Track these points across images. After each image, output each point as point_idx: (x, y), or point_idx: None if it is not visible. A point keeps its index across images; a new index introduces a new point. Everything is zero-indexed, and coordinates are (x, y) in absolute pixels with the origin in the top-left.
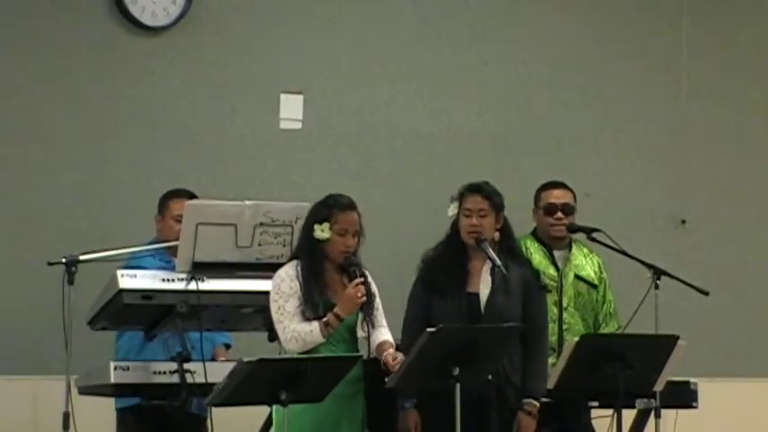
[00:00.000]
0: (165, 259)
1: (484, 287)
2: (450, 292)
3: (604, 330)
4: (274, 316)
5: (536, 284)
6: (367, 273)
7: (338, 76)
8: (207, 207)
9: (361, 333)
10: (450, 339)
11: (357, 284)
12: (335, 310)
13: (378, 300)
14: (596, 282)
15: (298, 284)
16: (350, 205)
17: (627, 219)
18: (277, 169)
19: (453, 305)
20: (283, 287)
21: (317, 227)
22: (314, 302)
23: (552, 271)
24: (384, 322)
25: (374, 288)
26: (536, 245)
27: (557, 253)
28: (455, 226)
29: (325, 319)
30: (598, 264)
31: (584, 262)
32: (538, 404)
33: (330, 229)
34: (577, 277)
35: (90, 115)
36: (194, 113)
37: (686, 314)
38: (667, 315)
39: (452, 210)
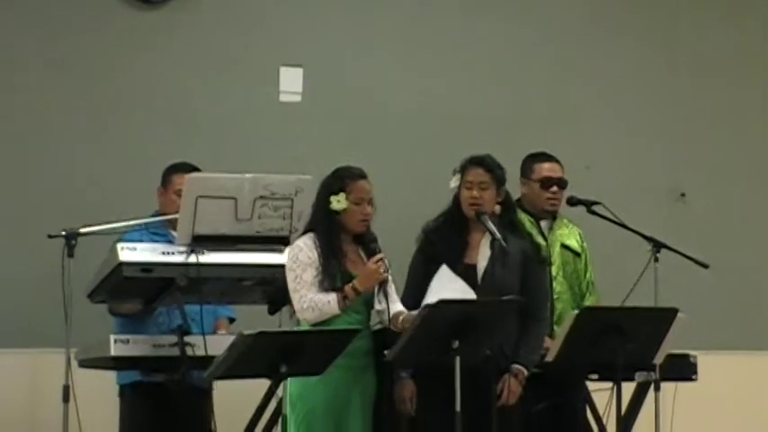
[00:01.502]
0: (161, 233)
1: (482, 259)
2: (448, 263)
3: (588, 300)
4: (291, 285)
5: (536, 258)
6: (381, 248)
7: (337, 50)
8: (207, 180)
9: (378, 306)
10: (449, 313)
11: (378, 260)
12: (354, 283)
13: (389, 276)
14: (579, 250)
15: (316, 255)
16: (362, 174)
17: (626, 191)
18: (277, 142)
19: None
20: (301, 256)
21: (332, 198)
22: (332, 274)
23: (540, 240)
24: (396, 297)
25: (387, 263)
26: (523, 215)
27: (543, 223)
28: (457, 198)
29: (343, 292)
30: (579, 234)
31: (567, 231)
32: (526, 372)
33: (346, 199)
34: (563, 246)
35: (90, 89)
36: (194, 87)
37: (686, 287)
38: (667, 288)
39: (454, 182)
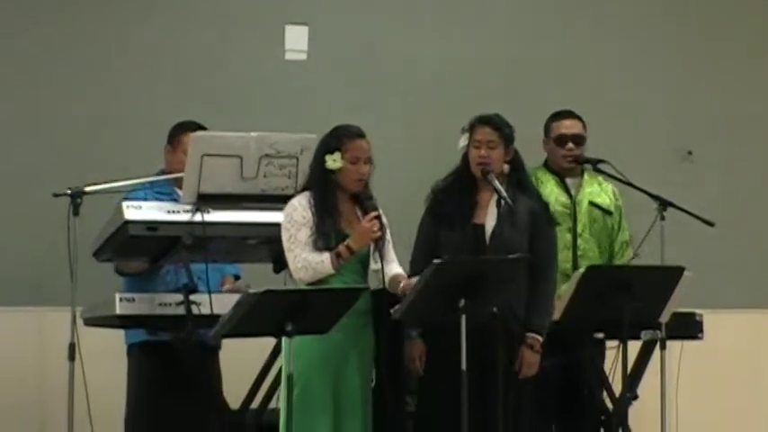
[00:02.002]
0: (167, 191)
1: (490, 219)
2: (457, 223)
3: (619, 260)
4: (285, 244)
5: (545, 217)
6: (379, 208)
7: (343, 8)
8: (212, 138)
9: (373, 265)
10: (456, 271)
11: (372, 218)
12: (348, 242)
13: (388, 233)
14: (611, 209)
15: (310, 214)
16: (359, 133)
17: (633, 150)
18: (282, 101)
19: (459, 236)
20: (296, 216)
21: (328, 157)
22: (326, 233)
23: (565, 198)
24: (394, 257)
25: (385, 221)
26: (548, 175)
27: (569, 180)
28: (465, 158)
29: (336, 251)
30: (613, 191)
31: (599, 189)
32: (541, 338)
33: (342, 158)
34: (592, 204)
35: (96, 49)
36: (199, 46)
37: (692, 245)
38: (673, 246)
39: (463, 141)
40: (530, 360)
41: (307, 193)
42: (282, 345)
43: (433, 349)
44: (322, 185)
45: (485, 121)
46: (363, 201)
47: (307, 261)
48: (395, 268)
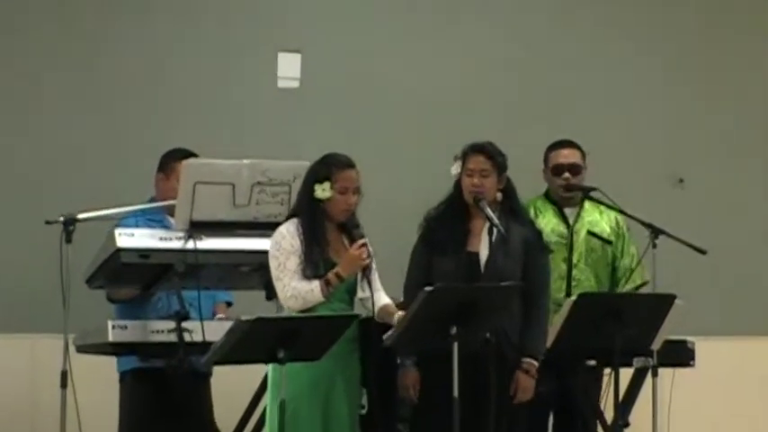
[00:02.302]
0: (157, 219)
1: (484, 247)
2: (451, 250)
3: (624, 286)
4: (274, 273)
5: (539, 245)
6: (365, 234)
7: (336, 35)
8: (204, 166)
9: (361, 293)
10: (447, 298)
11: (360, 246)
12: (337, 269)
13: (374, 262)
14: (612, 237)
15: (299, 242)
16: (349, 163)
17: (625, 177)
18: (275, 128)
19: (453, 264)
20: (284, 244)
21: (317, 186)
22: (315, 261)
23: (562, 228)
24: (380, 285)
25: (371, 249)
26: (547, 204)
27: (567, 210)
28: (458, 185)
29: (326, 278)
30: (615, 219)
31: (599, 218)
32: (536, 363)
33: (331, 188)
34: (590, 233)
35: (88, 74)
36: (192, 72)
37: (684, 273)
38: (665, 274)
39: (455, 169)
40: (525, 385)
41: (295, 221)
42: (270, 372)
43: (427, 377)
44: (310, 214)
45: (478, 149)
46: (350, 229)
47: (296, 290)
48: (383, 297)
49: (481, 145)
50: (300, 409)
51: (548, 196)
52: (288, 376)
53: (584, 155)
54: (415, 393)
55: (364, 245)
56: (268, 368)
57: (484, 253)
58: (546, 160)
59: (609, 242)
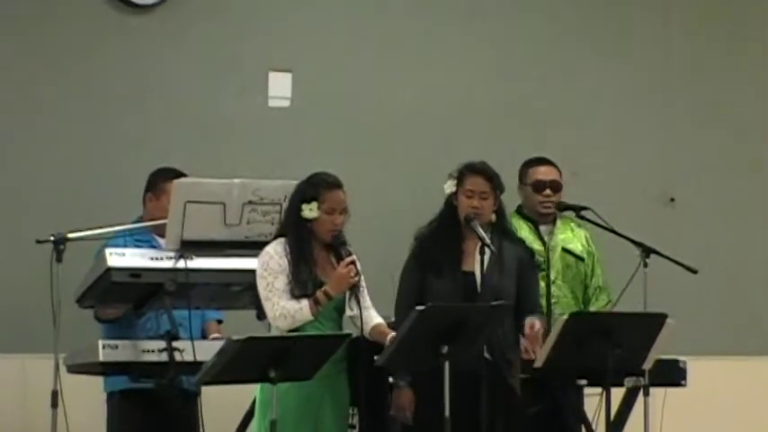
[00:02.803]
0: (145, 239)
1: (479, 266)
2: (447, 270)
3: (594, 305)
4: (262, 293)
5: (531, 263)
6: (352, 251)
7: (326, 54)
8: (195, 185)
9: (349, 311)
10: (439, 317)
11: (348, 263)
12: (325, 288)
13: (363, 280)
14: (584, 255)
15: (286, 262)
16: (336, 183)
17: (615, 197)
18: (266, 147)
19: (450, 284)
20: (272, 264)
21: (304, 206)
22: (303, 281)
23: (538, 246)
24: (370, 303)
25: (360, 267)
26: (521, 221)
27: (542, 228)
28: (450, 203)
29: (315, 297)
30: (585, 237)
31: (572, 235)
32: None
33: (318, 208)
34: (565, 250)
35: (79, 93)
36: (183, 92)
37: (675, 292)
38: (656, 293)
39: (450, 187)
40: (538, 325)
41: (282, 240)
42: (258, 393)
43: (421, 397)
44: (297, 233)
45: (477, 170)
46: (338, 247)
47: (285, 309)
48: (374, 316)
49: (480, 166)
50: (288, 430)
51: (521, 213)
52: (274, 398)
53: (560, 172)
54: (410, 414)
55: (352, 263)
56: (257, 388)
57: (479, 272)
58: (523, 176)
59: (582, 259)
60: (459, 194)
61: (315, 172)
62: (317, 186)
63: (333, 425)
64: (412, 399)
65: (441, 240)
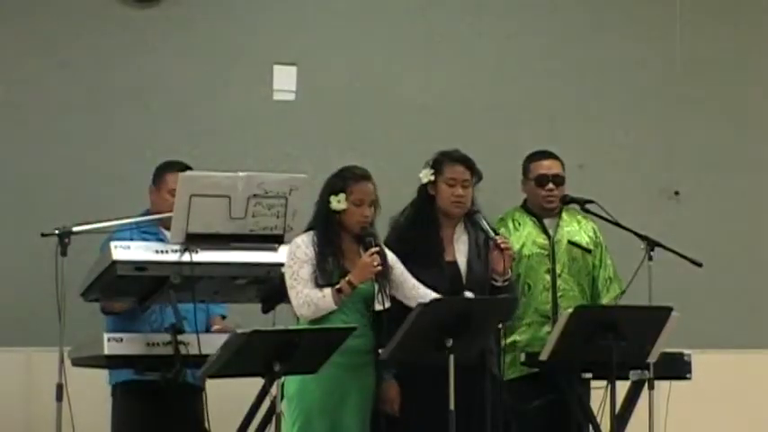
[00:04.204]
0: (152, 231)
1: (460, 256)
2: (431, 261)
3: (605, 296)
4: (288, 281)
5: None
6: (382, 245)
7: (331, 48)
8: (200, 178)
9: (378, 306)
10: (443, 311)
11: (372, 253)
12: (349, 277)
13: (399, 267)
14: (591, 246)
15: (313, 251)
16: (364, 176)
17: (620, 190)
18: (271, 141)
19: (436, 274)
20: (299, 253)
21: (333, 198)
22: (328, 270)
23: (543, 239)
24: (417, 282)
25: (392, 257)
26: (525, 216)
27: (547, 221)
28: (425, 192)
29: (338, 286)
30: (593, 229)
31: (578, 227)
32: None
33: (346, 200)
34: (571, 243)
35: (83, 86)
36: (187, 85)
37: (680, 285)
38: (661, 286)
39: (426, 176)
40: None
41: (311, 233)
42: (290, 384)
43: (408, 391)
44: (325, 224)
45: (459, 159)
46: (363, 237)
47: (309, 297)
48: (429, 292)
49: (460, 155)
50: (311, 423)
51: (525, 207)
52: (301, 389)
53: (563, 165)
54: (396, 407)
55: (377, 252)
56: (286, 380)
57: (462, 261)
58: (526, 171)
59: (588, 251)
60: (438, 183)
61: (345, 166)
62: (345, 178)
63: (354, 417)
64: (398, 391)
65: (421, 230)
